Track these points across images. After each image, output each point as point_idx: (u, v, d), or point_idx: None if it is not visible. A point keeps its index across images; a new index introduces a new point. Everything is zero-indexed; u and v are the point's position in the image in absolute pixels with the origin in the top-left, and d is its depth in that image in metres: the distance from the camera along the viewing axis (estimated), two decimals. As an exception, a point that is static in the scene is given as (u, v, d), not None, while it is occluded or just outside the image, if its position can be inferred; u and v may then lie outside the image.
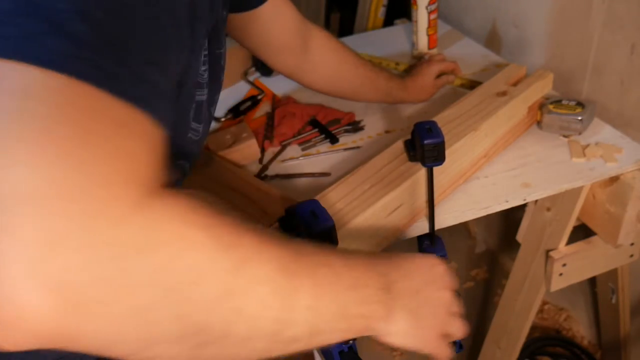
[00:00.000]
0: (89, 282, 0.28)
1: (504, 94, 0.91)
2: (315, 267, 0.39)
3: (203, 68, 0.56)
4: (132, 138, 0.31)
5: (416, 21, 1.23)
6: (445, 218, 0.81)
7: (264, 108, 1.13)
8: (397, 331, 0.45)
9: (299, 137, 1.01)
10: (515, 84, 0.94)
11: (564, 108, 0.92)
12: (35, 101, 0.28)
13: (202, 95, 0.57)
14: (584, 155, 0.89)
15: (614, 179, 0.87)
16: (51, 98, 0.29)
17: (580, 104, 0.93)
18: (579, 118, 0.91)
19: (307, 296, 0.37)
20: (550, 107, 0.93)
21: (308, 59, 0.92)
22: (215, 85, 0.63)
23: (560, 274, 0.96)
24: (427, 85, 1.07)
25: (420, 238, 0.79)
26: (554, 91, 1.05)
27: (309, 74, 0.95)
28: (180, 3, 0.39)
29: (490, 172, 0.89)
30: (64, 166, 0.28)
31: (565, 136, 0.95)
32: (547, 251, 0.96)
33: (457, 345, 0.68)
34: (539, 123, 0.95)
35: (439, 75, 1.10)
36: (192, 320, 0.32)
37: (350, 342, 0.52)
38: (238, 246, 0.34)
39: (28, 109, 0.28)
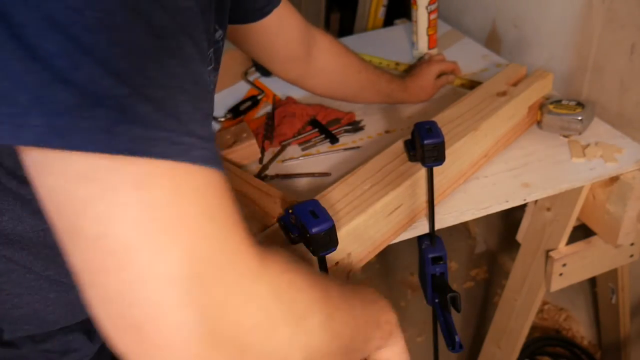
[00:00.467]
0: (251, 331, 0.34)
1: (504, 94, 0.91)
2: (358, 290, 0.49)
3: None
4: (229, 201, 0.35)
5: (416, 21, 1.23)
6: (445, 218, 0.81)
7: (264, 108, 1.13)
8: (401, 339, 0.55)
9: (299, 137, 1.01)
10: (515, 84, 0.94)
11: (564, 108, 0.92)
12: (156, 190, 0.31)
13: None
14: (584, 155, 0.89)
15: (614, 179, 0.87)
16: (167, 184, 0.31)
17: (580, 104, 0.93)
18: (579, 118, 0.91)
19: (360, 312, 0.47)
20: (550, 107, 0.93)
21: (312, 65, 0.91)
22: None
23: (560, 274, 0.96)
24: (427, 85, 1.07)
25: (420, 238, 0.79)
26: (554, 91, 1.05)
27: (313, 80, 0.94)
28: (204, 53, 0.39)
29: (490, 172, 0.89)
30: (208, 243, 0.33)
31: (565, 136, 0.95)
32: (547, 251, 0.96)
33: (457, 344, 0.68)
34: (539, 123, 0.95)
35: (439, 76, 1.10)
36: (307, 339, 0.39)
37: None
38: (320, 281, 0.43)
39: (153, 198, 0.31)
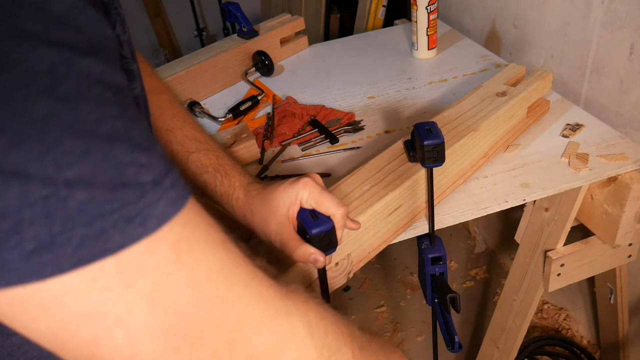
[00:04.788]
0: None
1: (503, 94, 0.91)
2: (376, 337, 0.47)
3: (126, 51, 0.43)
4: (221, 233, 0.34)
5: (416, 21, 1.23)
6: (445, 218, 0.82)
7: (264, 108, 1.13)
8: None
9: (299, 137, 1.01)
10: (514, 84, 0.95)
11: None
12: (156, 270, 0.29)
13: (137, 89, 0.46)
14: (583, 156, 0.90)
15: (612, 180, 0.87)
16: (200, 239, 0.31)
17: None
18: None
19: (382, 358, 0.45)
20: None
21: None
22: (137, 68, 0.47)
23: (558, 274, 0.96)
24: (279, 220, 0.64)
25: (419, 238, 0.79)
26: (554, 91, 1.06)
27: None
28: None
29: (489, 173, 0.89)
30: (233, 295, 0.32)
31: (565, 136, 0.95)
32: (545, 251, 0.96)
33: (457, 344, 0.69)
34: None
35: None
36: None
37: None
38: (342, 318, 0.42)
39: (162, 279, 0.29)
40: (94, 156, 0.26)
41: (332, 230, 0.58)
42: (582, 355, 1.34)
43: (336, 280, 0.69)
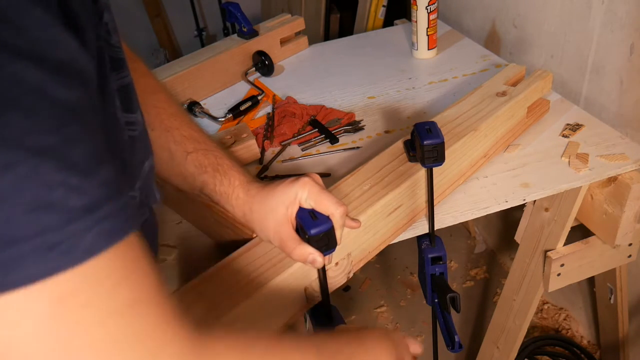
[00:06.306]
0: None
1: (503, 94, 0.91)
2: (347, 344, 0.49)
3: (114, 40, 0.41)
4: (153, 271, 0.31)
5: (416, 21, 1.23)
6: (445, 218, 0.82)
7: (264, 108, 1.13)
8: None
9: (299, 137, 1.01)
10: (514, 84, 0.95)
11: None
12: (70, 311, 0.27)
13: (126, 77, 0.44)
14: (583, 156, 0.90)
15: (612, 180, 0.87)
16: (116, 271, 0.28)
17: None
18: None
19: None
20: None
21: None
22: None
23: (558, 274, 0.96)
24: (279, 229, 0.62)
25: (419, 238, 0.79)
26: (554, 91, 1.06)
27: None
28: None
29: (489, 172, 0.89)
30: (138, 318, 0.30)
31: (565, 136, 0.95)
32: (545, 251, 0.96)
33: (457, 344, 0.69)
34: None
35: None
36: None
37: None
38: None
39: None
40: (17, 170, 0.24)
41: (331, 231, 0.58)
42: (582, 355, 1.34)
43: (336, 280, 0.69)
